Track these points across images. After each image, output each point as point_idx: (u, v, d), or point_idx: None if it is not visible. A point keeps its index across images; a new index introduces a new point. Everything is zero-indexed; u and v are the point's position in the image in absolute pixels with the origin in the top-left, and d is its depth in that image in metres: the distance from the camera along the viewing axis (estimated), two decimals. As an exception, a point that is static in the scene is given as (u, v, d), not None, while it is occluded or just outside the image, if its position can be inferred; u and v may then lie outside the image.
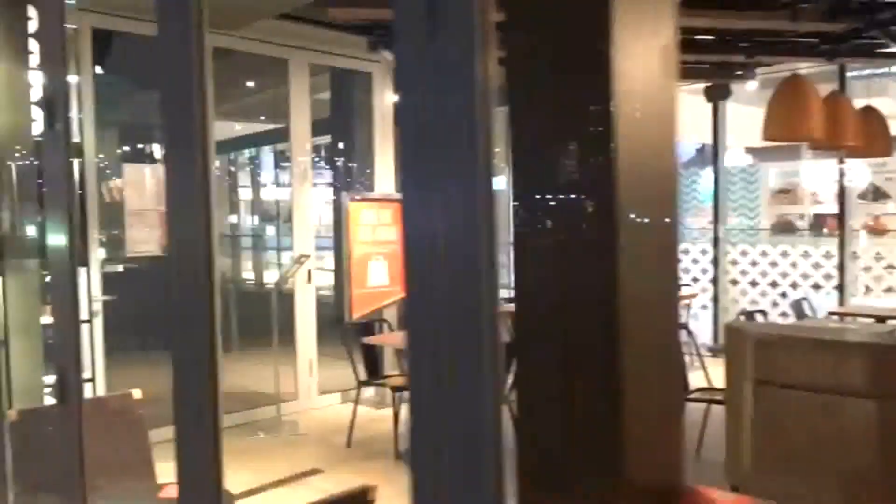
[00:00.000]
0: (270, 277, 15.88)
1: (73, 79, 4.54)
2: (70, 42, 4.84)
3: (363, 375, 5.34)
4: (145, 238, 5.05)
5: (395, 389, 4.93)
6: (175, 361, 1.70)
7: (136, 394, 3.38)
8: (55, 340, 2.53)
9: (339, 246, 7.43)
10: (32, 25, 3.93)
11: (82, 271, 4.60)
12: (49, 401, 4.36)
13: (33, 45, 4.00)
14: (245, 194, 13.54)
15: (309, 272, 5.98)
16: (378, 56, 6.25)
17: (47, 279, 4.43)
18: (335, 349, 6.40)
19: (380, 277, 6.19)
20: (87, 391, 4.57)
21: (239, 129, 11.52)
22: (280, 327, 5.80)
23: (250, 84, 8.16)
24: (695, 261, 8.97)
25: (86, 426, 3.31)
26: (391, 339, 5.50)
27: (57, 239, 2.32)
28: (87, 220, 4.61)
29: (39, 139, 4.33)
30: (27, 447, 3.05)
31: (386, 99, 6.49)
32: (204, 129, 1.55)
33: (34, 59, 4.03)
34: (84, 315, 4.62)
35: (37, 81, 4.30)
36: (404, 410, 5.25)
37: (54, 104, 2.40)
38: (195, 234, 1.59)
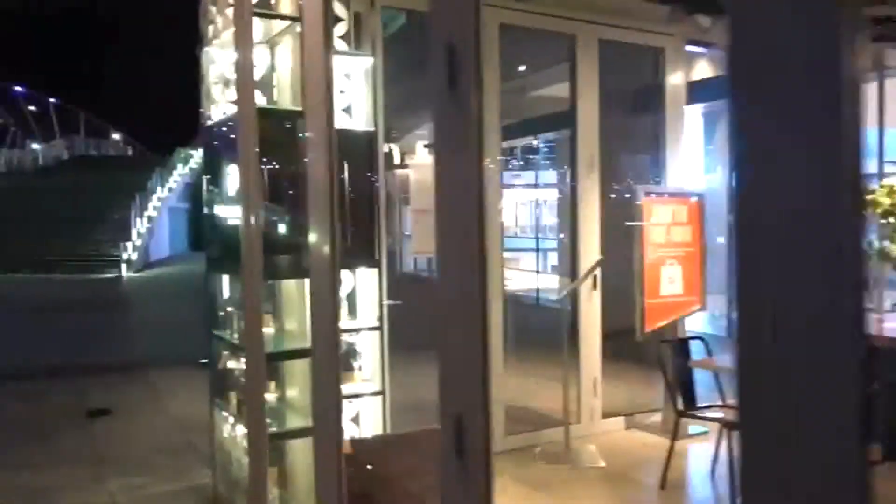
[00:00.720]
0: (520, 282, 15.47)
1: (367, 61, 4.14)
2: (366, 20, 4.49)
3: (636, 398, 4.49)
4: (430, 238, 4.57)
5: (729, 426, 3.98)
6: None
7: (472, 425, 2.81)
8: (445, 377, 1.94)
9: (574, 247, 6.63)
10: None
11: (373, 274, 4.20)
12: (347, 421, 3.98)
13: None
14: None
15: (594, 278, 5.24)
16: (674, 28, 5.38)
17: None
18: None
19: (674, 285, 5.32)
20: (377, 406, 4.15)
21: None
22: (547, 339, 5.14)
23: (521, 67, 7.60)
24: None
25: (408, 463, 2.78)
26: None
27: (466, 248, 1.73)
28: (379, 218, 4.20)
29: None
30: (361, 482, 2.57)
31: (677, 78, 5.59)
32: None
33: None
34: (373, 321, 4.21)
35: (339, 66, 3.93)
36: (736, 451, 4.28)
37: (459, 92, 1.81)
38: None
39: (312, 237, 2.53)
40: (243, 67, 3.14)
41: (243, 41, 3.14)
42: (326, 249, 2.44)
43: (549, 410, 5.37)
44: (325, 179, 2.44)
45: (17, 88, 47.10)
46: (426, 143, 11.31)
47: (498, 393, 4.97)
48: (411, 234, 4.64)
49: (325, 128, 2.45)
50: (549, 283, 15.05)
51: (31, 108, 46.95)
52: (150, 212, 26.79)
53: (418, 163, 4.88)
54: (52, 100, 46.59)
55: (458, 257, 1.74)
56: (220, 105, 3.81)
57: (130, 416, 6.42)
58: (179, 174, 32.53)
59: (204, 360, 8.36)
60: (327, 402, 2.50)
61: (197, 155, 36.20)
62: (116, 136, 47.53)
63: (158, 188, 28.89)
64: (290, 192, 3.54)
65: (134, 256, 23.00)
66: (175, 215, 30.89)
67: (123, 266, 21.84)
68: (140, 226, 24.86)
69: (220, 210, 3.90)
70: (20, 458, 5.29)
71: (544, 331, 6.51)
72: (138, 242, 24.01)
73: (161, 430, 6.01)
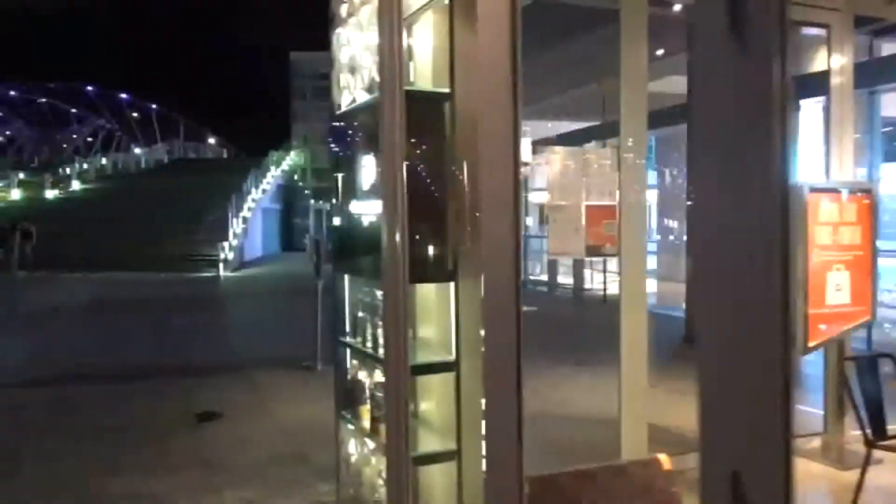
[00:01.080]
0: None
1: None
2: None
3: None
4: (570, 238, 4.13)
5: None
6: None
7: (665, 461, 2.36)
8: (712, 418, 1.49)
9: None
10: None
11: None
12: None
13: None
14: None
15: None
16: (842, 1, 4.75)
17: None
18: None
19: (841, 293, 4.68)
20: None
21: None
22: (678, 348, 4.57)
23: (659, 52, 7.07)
24: None
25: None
26: None
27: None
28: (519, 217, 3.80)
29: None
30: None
31: (841, 61, 4.94)
32: None
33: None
34: (511, 330, 3.80)
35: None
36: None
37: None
38: None
39: (489, 235, 2.14)
40: (390, 44, 2.78)
41: (390, 14, 2.79)
42: (510, 250, 2.04)
43: (694, 431, 4.83)
44: (510, 176, 2.05)
45: (122, 96, 49.43)
46: (532, 139, 10.94)
47: (640, 409, 4.48)
48: (548, 234, 4.20)
49: (510, 120, 2.05)
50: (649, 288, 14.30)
51: (135, 114, 49.18)
52: (245, 212, 27.35)
53: (555, 154, 4.43)
54: (153, 106, 48.64)
55: (745, 263, 1.28)
56: (353, 92, 3.48)
57: (238, 420, 6.24)
58: (272, 176, 33.19)
59: (306, 364, 8.21)
60: (505, 432, 2.09)
61: (289, 157, 36.92)
62: (212, 140, 49.16)
63: (253, 190, 29.51)
64: (431, 184, 3.16)
65: (230, 256, 23.47)
66: (268, 216, 31.51)
67: (221, 265, 22.28)
68: (236, 226, 25.39)
69: (349, 205, 3.56)
70: (132, 461, 5.15)
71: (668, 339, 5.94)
72: (234, 242, 24.50)
73: (269, 435, 5.78)
